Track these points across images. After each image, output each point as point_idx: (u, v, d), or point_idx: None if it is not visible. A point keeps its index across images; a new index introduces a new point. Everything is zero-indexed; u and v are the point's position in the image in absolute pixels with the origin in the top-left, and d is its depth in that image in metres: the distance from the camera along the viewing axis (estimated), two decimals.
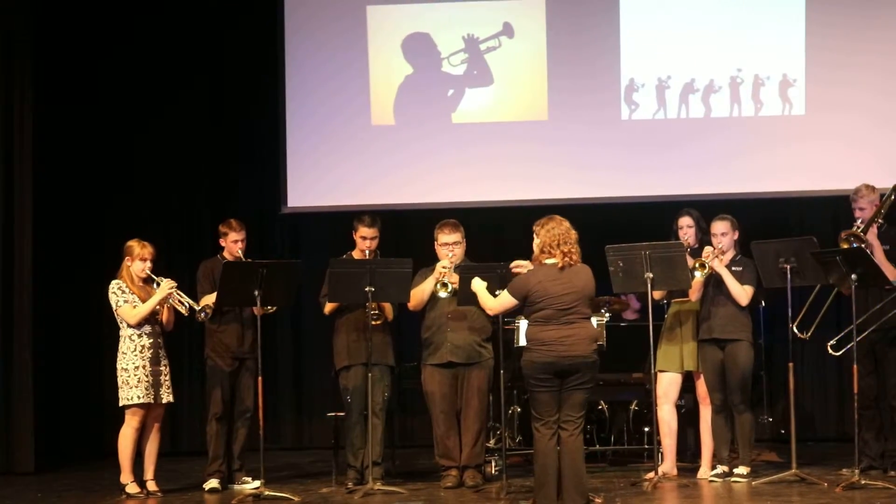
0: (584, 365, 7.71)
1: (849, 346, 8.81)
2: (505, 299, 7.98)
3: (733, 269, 8.95)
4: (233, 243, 9.28)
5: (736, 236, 9.05)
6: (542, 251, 7.84)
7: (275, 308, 9.14)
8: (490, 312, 8.45)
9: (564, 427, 7.76)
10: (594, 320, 8.45)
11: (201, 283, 9.27)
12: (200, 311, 8.95)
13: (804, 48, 10.94)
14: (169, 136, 11.75)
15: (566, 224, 7.87)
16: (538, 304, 7.76)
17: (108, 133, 11.69)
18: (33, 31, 10.90)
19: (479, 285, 8.28)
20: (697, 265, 8.83)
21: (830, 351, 9.02)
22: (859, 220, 9.00)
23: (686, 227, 9.26)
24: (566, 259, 7.77)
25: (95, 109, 11.63)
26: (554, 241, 7.79)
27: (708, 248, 8.98)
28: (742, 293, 8.89)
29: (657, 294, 9.07)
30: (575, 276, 7.78)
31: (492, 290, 8.27)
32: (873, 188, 9.13)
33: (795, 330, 9.00)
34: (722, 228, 9.02)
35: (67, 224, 11.42)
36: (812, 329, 8.95)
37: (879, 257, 8.74)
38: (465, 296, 8.71)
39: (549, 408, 7.77)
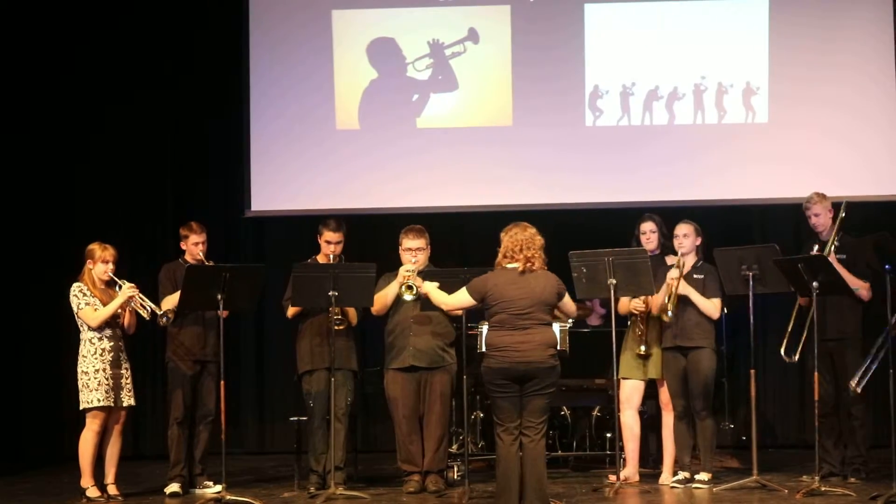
0: (540, 371, 7.72)
1: (799, 352, 8.90)
2: (461, 296, 8.02)
3: (695, 276, 8.98)
4: (193, 245, 9.26)
5: (698, 242, 9.08)
6: (504, 255, 7.88)
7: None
8: (445, 308, 8.43)
9: (526, 433, 7.79)
10: (555, 326, 8.47)
11: (163, 285, 9.24)
12: (162, 315, 8.90)
13: (768, 57, 11.01)
14: (133, 139, 11.70)
15: (531, 231, 7.90)
16: (494, 308, 7.81)
17: (71, 132, 11.65)
18: None
19: (430, 286, 8.31)
20: (670, 306, 8.85)
21: (783, 356, 9.04)
22: (820, 236, 9.09)
23: (649, 233, 9.32)
24: (527, 264, 7.79)
25: (58, 108, 11.60)
26: (516, 245, 7.83)
27: (672, 259, 9.02)
28: (712, 308, 8.92)
29: (622, 309, 9.11)
30: (534, 281, 7.79)
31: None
32: (824, 195, 9.21)
33: (783, 354, 9.01)
34: (684, 230, 9.05)
35: (29, 227, 11.38)
36: (798, 351, 8.93)
37: (843, 273, 8.78)
38: (429, 301, 8.69)
39: (509, 413, 7.79)
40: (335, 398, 8.87)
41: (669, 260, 9.15)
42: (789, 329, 9.04)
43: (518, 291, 7.78)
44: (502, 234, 7.93)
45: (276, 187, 11.41)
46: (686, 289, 8.89)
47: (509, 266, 7.84)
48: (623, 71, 11.13)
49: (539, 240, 7.89)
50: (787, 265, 8.72)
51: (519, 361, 7.71)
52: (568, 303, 8.05)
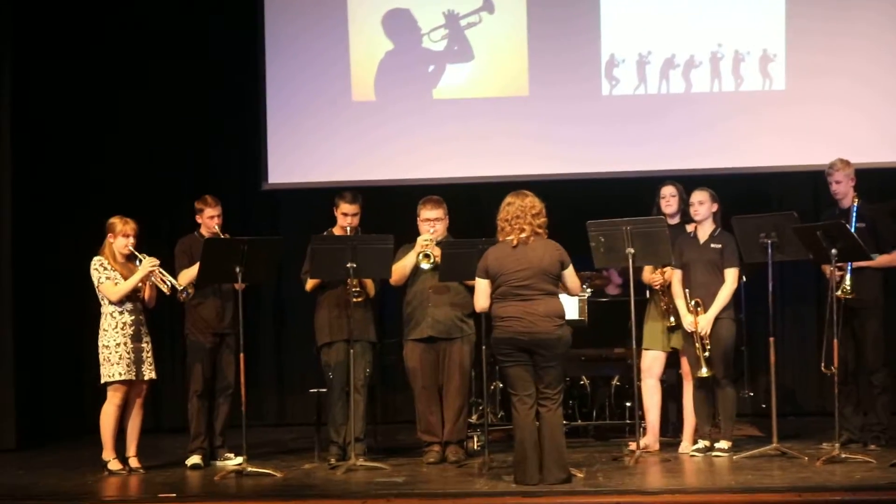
0: (546, 342, 7.77)
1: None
2: (479, 284, 8.05)
3: (712, 245, 8.98)
4: (209, 219, 9.29)
5: (715, 209, 9.08)
6: (500, 229, 7.95)
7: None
8: (482, 303, 8.12)
9: (542, 403, 7.85)
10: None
11: (179, 259, 9.26)
12: (182, 290, 8.92)
13: (784, 23, 10.94)
14: (150, 113, 11.70)
15: (527, 199, 7.94)
16: (496, 281, 7.87)
17: (91, 107, 11.65)
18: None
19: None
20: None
21: (823, 370, 8.97)
22: (840, 203, 9.09)
23: (668, 196, 9.33)
24: (519, 235, 7.83)
25: (76, 84, 11.59)
26: (509, 217, 7.90)
27: (691, 227, 9.01)
28: (729, 291, 8.91)
29: (645, 278, 9.14)
30: (531, 252, 7.83)
31: (474, 266, 8.25)
32: (847, 162, 9.19)
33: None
34: (700, 197, 9.06)
35: (49, 202, 11.40)
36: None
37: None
38: (446, 271, 8.76)
39: (521, 382, 7.85)
40: (354, 370, 8.89)
41: (689, 228, 9.16)
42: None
43: (516, 263, 7.83)
44: (501, 205, 7.99)
45: (293, 160, 11.41)
46: (710, 316, 8.88)
47: (506, 239, 7.90)
48: (639, 39, 11.07)
49: (536, 206, 7.93)
50: (806, 232, 8.70)
51: (523, 332, 7.77)
52: (571, 276, 8.00)
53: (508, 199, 7.99)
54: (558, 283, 7.96)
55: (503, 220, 7.94)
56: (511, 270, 7.83)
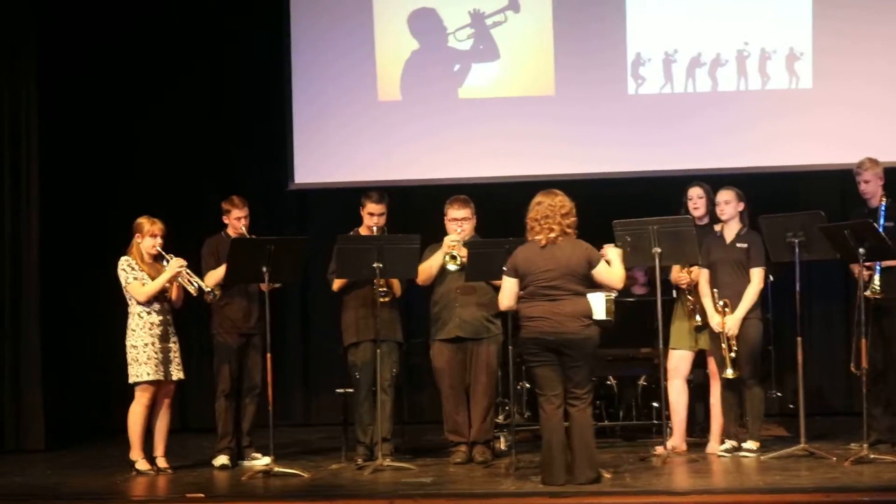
0: (573, 342, 7.79)
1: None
2: (507, 283, 8.07)
3: (738, 245, 8.97)
4: (236, 220, 9.33)
5: (741, 208, 9.06)
6: (529, 228, 7.96)
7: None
8: (507, 302, 8.13)
9: (572, 402, 7.87)
10: (600, 295, 8.47)
11: (206, 260, 9.31)
12: (209, 292, 8.97)
13: (811, 21, 10.92)
14: (176, 114, 11.77)
15: (556, 199, 7.95)
16: (524, 281, 7.89)
17: (118, 108, 11.74)
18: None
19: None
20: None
21: (853, 370, 8.97)
22: (868, 202, 9.08)
23: (696, 198, 9.31)
24: (548, 235, 7.85)
25: (101, 85, 11.68)
26: (538, 216, 7.92)
27: (718, 227, 9.00)
28: (755, 291, 8.89)
29: (673, 278, 9.15)
30: (559, 252, 7.84)
31: (500, 266, 8.28)
32: (876, 161, 9.17)
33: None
34: (726, 197, 9.05)
35: (75, 203, 11.47)
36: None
37: None
38: (473, 271, 8.80)
39: (549, 382, 7.87)
40: (381, 370, 8.95)
41: (716, 228, 9.15)
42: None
43: (545, 263, 7.84)
44: (530, 205, 8.00)
45: (319, 159, 11.44)
46: (735, 323, 8.86)
47: (535, 238, 7.92)
48: (665, 38, 11.07)
49: (565, 206, 7.93)
50: (834, 232, 8.69)
51: (550, 332, 7.79)
52: (604, 271, 7.99)
53: (538, 198, 8.00)
54: (587, 282, 7.95)
55: (532, 220, 7.95)
56: (539, 270, 7.84)
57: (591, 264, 7.93)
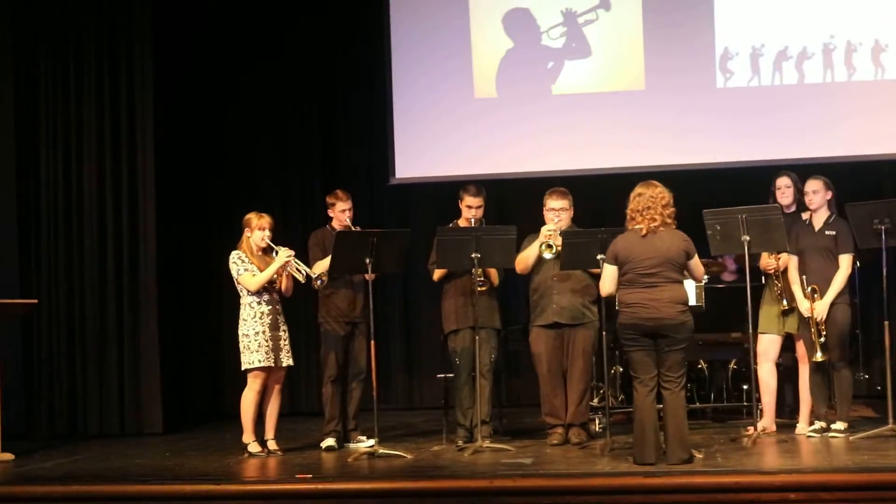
0: (670, 327, 7.93)
1: None
2: (607, 270, 8.23)
3: (827, 232, 9.03)
4: (341, 213, 9.46)
5: (829, 197, 9.11)
6: (630, 218, 8.12)
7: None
8: (608, 288, 8.32)
9: (666, 386, 8.01)
10: (692, 283, 8.66)
11: (312, 251, 9.44)
12: (317, 278, 9.10)
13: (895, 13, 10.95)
14: (281, 114, 12.09)
15: (657, 190, 8.09)
16: (624, 268, 8.05)
17: (226, 110, 12.05)
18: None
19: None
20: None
21: None
22: None
23: (784, 188, 9.36)
24: (651, 224, 8.02)
25: (214, 90, 12.01)
26: (640, 207, 8.07)
27: (806, 215, 9.14)
28: (843, 276, 8.96)
29: (762, 264, 9.23)
30: (659, 241, 8.00)
31: (595, 255, 8.52)
32: None
33: None
34: (814, 186, 9.10)
35: (189, 202, 11.73)
36: None
37: None
38: (567, 260, 8.94)
39: (643, 366, 8.03)
40: (480, 355, 9.05)
41: (804, 216, 9.23)
42: None
43: (645, 251, 8.00)
44: (630, 195, 8.16)
45: (418, 155, 11.62)
46: (824, 308, 8.97)
47: (635, 228, 8.09)
48: (752, 32, 11.12)
49: (665, 197, 8.08)
50: None
51: (647, 318, 7.94)
52: (696, 264, 8.19)
53: (638, 189, 8.14)
54: (683, 271, 8.13)
55: (633, 210, 8.10)
56: (639, 258, 8.00)
57: (689, 255, 8.10)
